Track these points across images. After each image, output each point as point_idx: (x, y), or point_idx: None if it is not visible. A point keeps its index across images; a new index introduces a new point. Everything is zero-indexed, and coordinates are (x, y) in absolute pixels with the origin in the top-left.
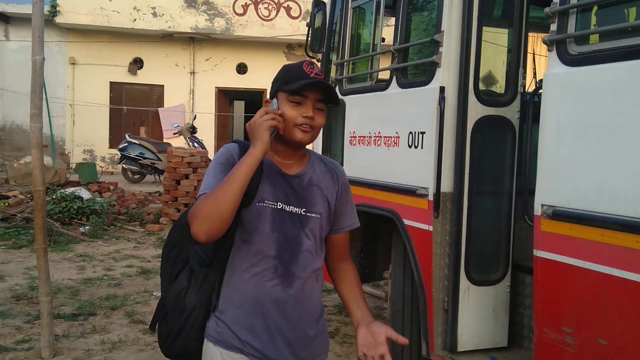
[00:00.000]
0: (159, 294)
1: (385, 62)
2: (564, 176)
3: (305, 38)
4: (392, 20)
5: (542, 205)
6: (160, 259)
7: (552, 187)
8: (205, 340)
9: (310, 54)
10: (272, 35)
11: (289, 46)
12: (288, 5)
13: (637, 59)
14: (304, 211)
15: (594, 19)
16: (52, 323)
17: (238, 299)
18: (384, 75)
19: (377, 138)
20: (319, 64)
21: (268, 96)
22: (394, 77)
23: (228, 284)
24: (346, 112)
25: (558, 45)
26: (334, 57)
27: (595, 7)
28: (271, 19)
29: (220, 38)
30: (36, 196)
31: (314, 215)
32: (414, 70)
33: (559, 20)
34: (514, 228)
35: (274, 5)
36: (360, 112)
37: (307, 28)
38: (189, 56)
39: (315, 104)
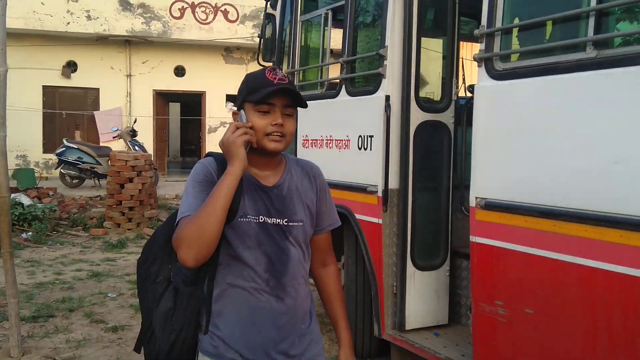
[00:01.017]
0: (114, 296)
1: (334, 70)
2: (493, 172)
3: (240, 40)
4: (341, 31)
5: (476, 197)
6: (105, 261)
7: (484, 182)
8: (200, 355)
9: (262, 63)
10: (210, 38)
11: (227, 49)
12: (225, 9)
13: (550, 74)
14: (285, 221)
15: (515, 40)
16: (20, 324)
17: (232, 314)
18: (334, 82)
19: (329, 141)
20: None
21: (235, 108)
22: (343, 86)
23: (220, 300)
24: (298, 117)
25: (486, 62)
26: (284, 66)
27: (516, 30)
28: (209, 23)
29: (157, 41)
30: (1, 202)
31: (296, 223)
32: (362, 80)
33: (487, 40)
34: (452, 219)
35: (212, 9)
36: (312, 117)
37: (258, 38)
38: (125, 59)
39: (283, 110)
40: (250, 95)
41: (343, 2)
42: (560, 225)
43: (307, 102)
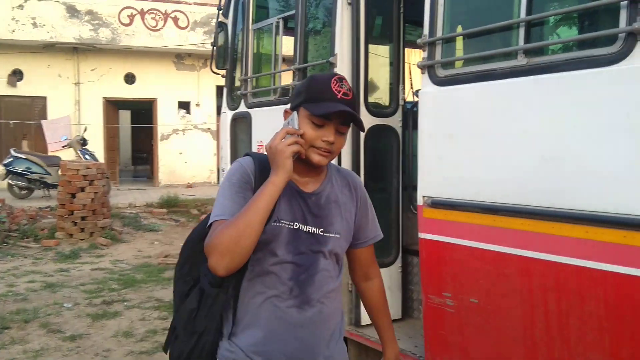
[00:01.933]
0: (70, 305)
1: (286, 77)
2: (438, 172)
3: (191, 47)
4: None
5: (423, 196)
6: (58, 272)
7: (430, 182)
8: None
9: (215, 71)
10: (161, 45)
11: (178, 56)
12: (175, 15)
13: (487, 80)
14: (321, 231)
15: (455, 48)
16: None
17: (252, 322)
18: (287, 89)
19: None
20: (223, 79)
21: (289, 107)
22: None
23: (241, 306)
24: (252, 123)
25: (429, 69)
26: (237, 73)
27: (460, 39)
28: (159, 29)
29: (106, 48)
30: None
31: (333, 235)
32: None
33: (429, 49)
34: (403, 218)
35: (161, 16)
36: (266, 123)
37: (210, 46)
38: (73, 67)
39: (338, 127)
40: (309, 103)
41: (293, 12)
42: (500, 220)
43: (262, 108)
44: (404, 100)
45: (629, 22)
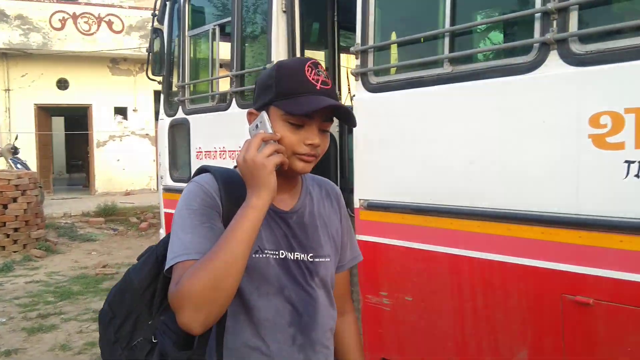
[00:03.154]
0: (4, 320)
1: (224, 83)
2: (373, 176)
3: (127, 51)
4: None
5: (359, 199)
6: None
7: (366, 185)
8: None
9: (151, 77)
10: (94, 49)
11: (113, 61)
12: (109, 19)
13: (417, 87)
14: (310, 257)
15: (386, 56)
16: None
17: None
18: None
19: (223, 152)
20: (160, 86)
21: (252, 106)
22: (234, 99)
23: None
24: (191, 129)
25: (362, 76)
26: (174, 79)
27: (394, 47)
28: (92, 34)
29: (37, 53)
30: None
31: (323, 259)
32: (252, 93)
33: (361, 57)
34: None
35: (94, 20)
36: (205, 129)
37: (146, 51)
38: (3, 73)
39: (320, 125)
40: (282, 100)
41: (230, 19)
42: (430, 220)
43: (200, 114)
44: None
45: (542, 33)
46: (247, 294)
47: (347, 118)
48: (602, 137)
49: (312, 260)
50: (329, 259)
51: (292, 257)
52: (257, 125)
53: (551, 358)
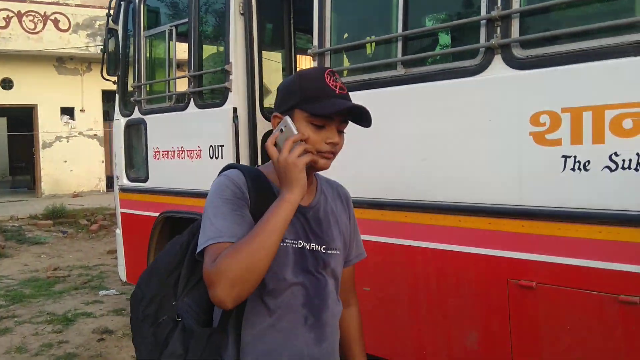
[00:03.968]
0: None
1: (181, 83)
2: (332, 172)
3: (74, 50)
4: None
5: None
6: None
7: None
8: None
9: (106, 77)
10: (40, 48)
11: (60, 60)
12: (56, 18)
13: (373, 88)
14: (324, 249)
15: (344, 58)
16: None
17: None
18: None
19: (181, 152)
20: (115, 86)
21: (275, 111)
22: (192, 99)
23: (248, 345)
24: (148, 130)
25: None
26: (130, 80)
27: (344, 51)
28: (38, 32)
29: None
30: None
31: (334, 252)
32: (209, 93)
33: (318, 59)
34: None
35: (40, 18)
36: (162, 129)
37: (101, 53)
38: None
39: (338, 126)
40: (306, 104)
41: (186, 20)
42: (386, 214)
43: (157, 115)
44: None
45: (487, 39)
46: (266, 278)
47: (365, 118)
48: (542, 135)
49: (325, 251)
50: (339, 252)
51: (308, 247)
52: (282, 130)
53: (499, 338)
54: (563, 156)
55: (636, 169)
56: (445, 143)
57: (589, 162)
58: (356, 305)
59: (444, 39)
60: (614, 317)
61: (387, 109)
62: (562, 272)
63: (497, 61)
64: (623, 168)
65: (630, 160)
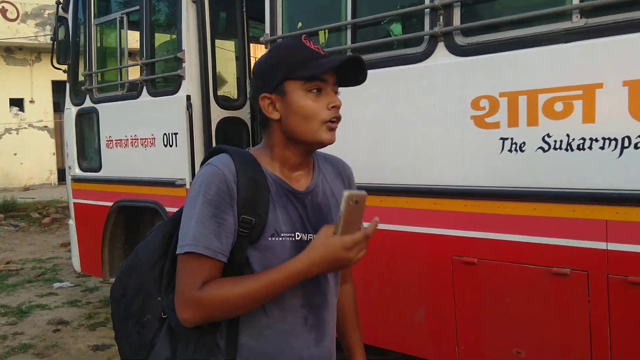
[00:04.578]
0: None
1: (133, 72)
2: None
3: (22, 40)
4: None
5: None
6: None
7: None
8: None
9: (56, 66)
10: None
11: (8, 50)
12: (3, 7)
13: None
14: None
15: None
16: None
17: None
18: (135, 83)
19: (134, 140)
20: (66, 75)
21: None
22: (145, 87)
23: (242, 347)
24: (100, 119)
25: None
26: (81, 68)
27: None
28: None
29: None
30: None
31: None
32: (163, 81)
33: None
34: None
35: None
36: (115, 118)
37: (50, 40)
38: None
39: (333, 89)
40: (299, 71)
41: (138, 7)
42: None
43: (110, 103)
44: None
45: (431, 27)
46: None
47: (361, 72)
48: (482, 118)
49: None
50: None
51: (306, 239)
52: (356, 201)
53: (444, 313)
54: (501, 138)
55: (567, 149)
56: (394, 127)
57: (524, 143)
58: (351, 281)
59: (393, 27)
60: (548, 288)
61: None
62: (501, 248)
63: (441, 48)
64: (555, 148)
65: (561, 141)
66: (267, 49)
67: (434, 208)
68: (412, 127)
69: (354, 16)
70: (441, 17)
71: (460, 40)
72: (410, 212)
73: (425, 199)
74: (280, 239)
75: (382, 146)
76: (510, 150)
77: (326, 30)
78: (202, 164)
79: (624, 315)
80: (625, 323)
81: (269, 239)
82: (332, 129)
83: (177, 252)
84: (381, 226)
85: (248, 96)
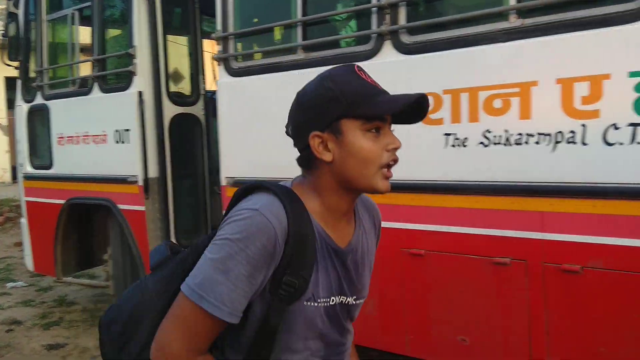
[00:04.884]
0: None
1: (84, 68)
2: (238, 155)
3: None
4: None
5: (226, 177)
6: None
7: (231, 164)
8: None
9: (7, 63)
10: None
11: None
12: None
13: (273, 72)
14: (355, 299)
15: (247, 42)
16: None
17: None
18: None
19: (86, 137)
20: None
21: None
22: (96, 84)
23: None
24: (51, 115)
25: (224, 61)
26: (32, 65)
27: (247, 35)
28: None
29: None
30: None
31: (362, 300)
32: (114, 77)
33: (223, 43)
34: (211, 200)
35: None
36: (66, 114)
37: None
38: None
39: (390, 127)
40: (359, 109)
41: (89, 3)
42: None
43: (61, 100)
44: (205, 89)
45: (379, 25)
46: (284, 339)
47: (423, 111)
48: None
49: (355, 301)
50: (365, 298)
51: (339, 301)
52: None
53: (394, 304)
54: (445, 134)
55: (505, 144)
56: None
57: (466, 138)
58: (352, 331)
59: (344, 24)
60: (490, 277)
61: (288, 91)
62: (446, 240)
63: (388, 46)
64: (494, 144)
65: (500, 137)
66: (317, 78)
67: (383, 202)
68: None
69: (304, 14)
70: (387, 16)
71: (406, 38)
72: None
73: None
74: (316, 304)
75: None
76: (453, 146)
77: (279, 28)
78: (239, 196)
79: (559, 300)
80: (559, 308)
81: (305, 303)
82: (389, 177)
83: (189, 297)
84: None
85: (201, 92)
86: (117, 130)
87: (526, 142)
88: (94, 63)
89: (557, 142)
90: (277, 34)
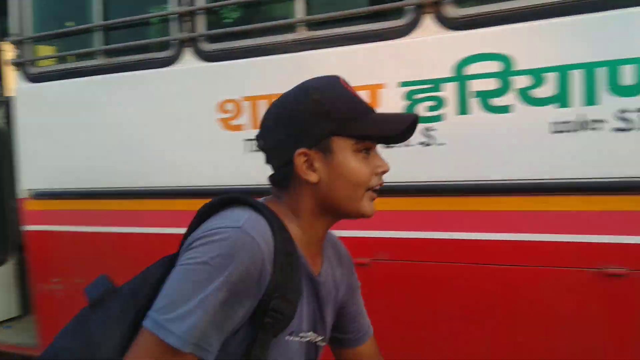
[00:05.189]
0: None
1: None
2: (38, 165)
3: None
4: None
5: (27, 189)
6: None
7: (32, 175)
8: None
9: None
10: None
11: None
12: None
13: (75, 77)
14: (321, 340)
15: (47, 48)
16: None
17: None
18: None
19: None
20: None
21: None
22: None
23: None
24: None
25: (21, 67)
26: None
27: (45, 39)
28: None
29: None
30: None
31: (324, 344)
32: None
33: (20, 47)
34: (16, 215)
35: None
36: None
37: None
38: None
39: (377, 148)
40: (350, 127)
41: None
42: (96, 203)
43: None
44: (5, 95)
45: (180, 32)
46: None
47: (411, 132)
48: (228, 121)
49: (321, 344)
50: (325, 343)
51: (313, 339)
52: None
53: None
54: (245, 139)
55: None
56: (149, 131)
57: None
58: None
59: (148, 30)
60: (437, 282)
61: (89, 97)
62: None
63: (188, 53)
64: None
65: None
66: (299, 89)
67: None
68: (166, 130)
69: (105, 18)
70: (187, 23)
71: (205, 46)
72: (172, 214)
73: (181, 201)
74: (298, 339)
75: (137, 150)
76: (252, 151)
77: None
78: (207, 212)
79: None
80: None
81: (287, 338)
82: (374, 199)
83: (155, 333)
84: (145, 230)
85: (2, 99)
86: None
87: None
88: None
89: None
90: (80, 37)
